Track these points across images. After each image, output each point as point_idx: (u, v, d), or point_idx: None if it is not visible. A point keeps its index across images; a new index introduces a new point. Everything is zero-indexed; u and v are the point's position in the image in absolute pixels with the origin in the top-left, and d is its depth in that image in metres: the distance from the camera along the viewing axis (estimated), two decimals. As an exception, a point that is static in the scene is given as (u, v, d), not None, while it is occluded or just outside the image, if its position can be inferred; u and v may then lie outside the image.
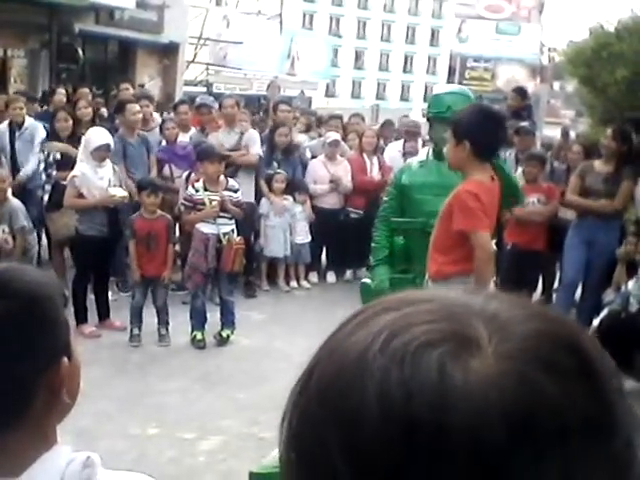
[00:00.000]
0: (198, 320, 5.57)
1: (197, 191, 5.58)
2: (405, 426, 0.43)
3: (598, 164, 5.94)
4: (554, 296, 6.72)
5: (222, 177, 5.67)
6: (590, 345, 0.47)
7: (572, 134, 11.63)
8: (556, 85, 50.36)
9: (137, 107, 6.83)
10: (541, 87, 38.92)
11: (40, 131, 6.88)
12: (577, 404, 0.44)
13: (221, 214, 5.51)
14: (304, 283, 7.46)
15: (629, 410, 0.47)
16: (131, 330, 5.54)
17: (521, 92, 8.26)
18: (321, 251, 7.80)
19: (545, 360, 0.45)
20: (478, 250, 3.11)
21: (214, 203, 5.46)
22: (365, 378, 0.45)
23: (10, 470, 0.91)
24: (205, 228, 5.51)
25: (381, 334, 0.47)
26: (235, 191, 5.69)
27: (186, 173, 6.63)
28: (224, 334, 5.62)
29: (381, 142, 8.38)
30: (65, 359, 0.95)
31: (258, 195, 7.13)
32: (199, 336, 5.55)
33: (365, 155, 7.79)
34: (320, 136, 8.27)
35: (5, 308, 0.90)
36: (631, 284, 5.19)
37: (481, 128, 3.10)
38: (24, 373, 0.91)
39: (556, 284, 6.93)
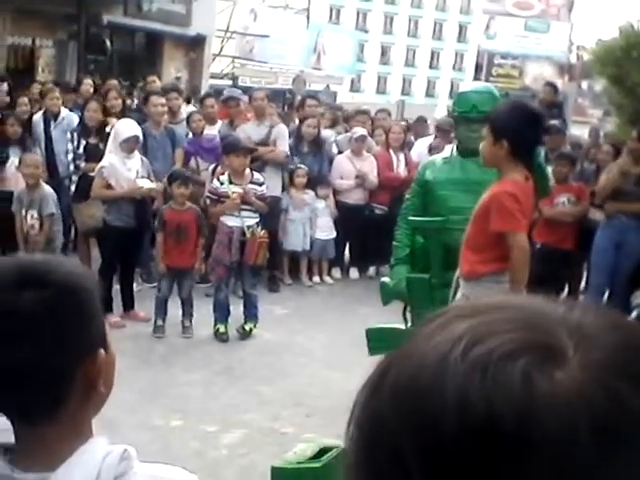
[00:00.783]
0: (221, 313, 5.57)
1: (222, 184, 5.58)
2: (486, 436, 0.43)
3: (628, 164, 5.82)
4: (581, 297, 6.64)
5: (247, 170, 5.66)
6: None
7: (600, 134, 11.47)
8: (584, 84, 49.76)
9: (161, 100, 6.84)
10: (569, 85, 38.47)
11: (76, 121, 6.94)
12: None
13: (245, 207, 5.50)
14: (327, 279, 7.44)
15: None
16: (155, 321, 5.57)
17: (554, 87, 8.20)
18: (344, 247, 7.78)
19: (633, 373, 0.44)
20: (516, 251, 3.09)
21: (235, 195, 5.44)
22: (445, 384, 0.45)
23: (48, 463, 0.90)
24: (229, 221, 5.51)
25: (461, 341, 0.46)
26: (260, 184, 5.68)
27: (212, 166, 6.64)
28: (247, 327, 5.62)
29: (410, 138, 8.33)
30: (102, 350, 0.96)
31: (285, 190, 7.13)
32: (222, 329, 5.56)
33: (392, 151, 7.74)
34: (347, 131, 8.23)
35: (44, 299, 0.89)
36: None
37: (520, 127, 3.05)
38: (62, 364, 0.90)
39: (583, 284, 6.85)
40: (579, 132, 16.97)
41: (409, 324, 3.82)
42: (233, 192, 5.48)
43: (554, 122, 7.30)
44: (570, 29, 46.45)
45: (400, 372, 0.48)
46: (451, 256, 3.52)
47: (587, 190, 6.31)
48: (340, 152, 7.76)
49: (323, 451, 3.56)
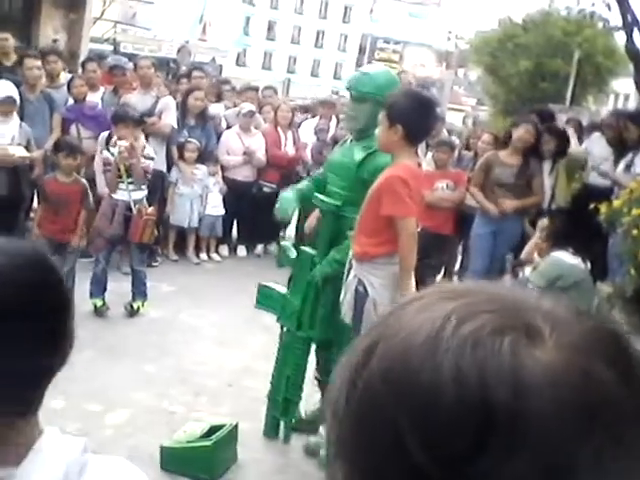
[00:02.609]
0: (97, 287, 5.40)
1: (112, 155, 5.39)
2: (480, 407, 0.45)
3: (504, 155, 6.02)
4: (455, 279, 6.94)
5: (142, 142, 5.49)
6: (632, 344, 0.50)
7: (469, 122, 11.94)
8: (460, 72, 51.70)
9: (36, 62, 6.46)
10: (446, 73, 39.84)
11: None
12: (637, 397, 0.47)
13: (132, 180, 5.35)
14: (214, 256, 7.37)
15: None
16: (33, 297, 5.30)
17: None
18: (232, 224, 7.72)
19: (605, 354, 0.47)
20: (404, 236, 3.16)
21: (122, 149, 5.26)
22: (439, 360, 0.46)
23: (13, 459, 0.86)
24: (116, 193, 5.33)
25: (449, 318, 0.48)
26: (151, 159, 5.54)
27: (106, 134, 6.36)
28: (135, 305, 5.48)
29: (296, 118, 8.33)
30: None
31: (169, 163, 6.96)
32: (99, 303, 5.39)
33: (280, 129, 7.73)
34: (235, 106, 8.13)
35: None
36: (528, 271, 5.44)
37: (415, 113, 3.14)
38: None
39: (457, 267, 7.17)
40: (454, 119, 17.67)
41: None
42: (124, 161, 5.30)
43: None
44: (448, 18, 48.01)
45: (388, 349, 0.49)
46: (339, 237, 3.60)
47: (465, 176, 6.56)
48: (229, 127, 7.66)
49: (213, 429, 3.57)
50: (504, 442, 0.44)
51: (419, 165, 3.34)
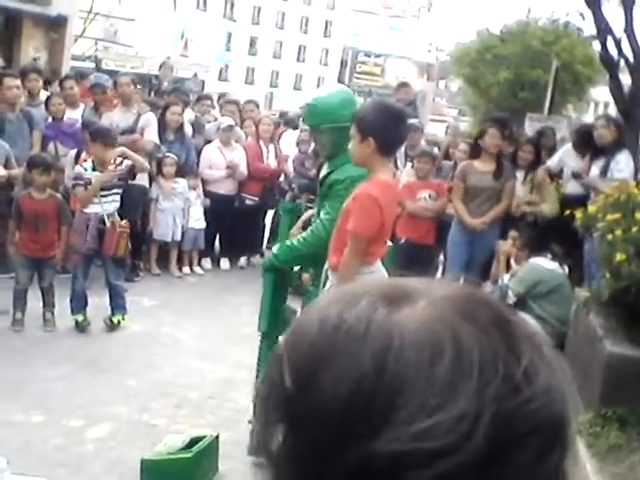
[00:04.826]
0: (78, 303, 5.40)
1: (86, 170, 5.40)
2: (333, 334, 0.51)
3: (478, 164, 6.13)
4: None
5: (115, 163, 5.51)
6: (504, 307, 0.54)
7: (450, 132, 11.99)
8: (441, 84, 52.10)
9: (16, 81, 6.48)
10: (427, 85, 40.14)
11: None
12: (492, 349, 0.49)
13: (105, 193, 5.36)
14: (197, 269, 7.37)
15: (543, 363, 0.51)
16: (14, 314, 5.28)
17: (408, 86, 8.53)
18: (215, 237, 7.72)
19: (465, 311, 0.51)
20: (349, 251, 3.18)
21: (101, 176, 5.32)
22: (315, 315, 0.54)
23: None
24: (88, 208, 5.34)
25: (339, 299, 0.54)
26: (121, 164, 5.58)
27: (74, 151, 6.38)
28: (115, 320, 5.46)
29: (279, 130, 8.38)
30: None
31: (152, 179, 6.97)
32: (80, 319, 5.39)
33: (262, 142, 7.77)
34: (216, 119, 8.16)
35: None
36: (507, 278, 5.49)
37: (385, 125, 3.16)
38: None
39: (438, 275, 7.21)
40: (436, 130, 17.77)
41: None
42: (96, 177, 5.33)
43: (413, 121, 7.60)
44: (429, 30, 48.48)
45: (292, 329, 0.56)
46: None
47: (445, 186, 6.62)
48: (208, 142, 7.69)
49: (194, 441, 3.57)
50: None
51: (394, 175, 3.35)
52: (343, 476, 0.48)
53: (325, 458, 0.49)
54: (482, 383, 0.48)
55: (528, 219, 6.16)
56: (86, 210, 5.33)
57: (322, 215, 3.55)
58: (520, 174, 6.33)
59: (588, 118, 24.25)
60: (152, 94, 9.27)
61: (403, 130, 3.46)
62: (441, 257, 7.03)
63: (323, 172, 3.70)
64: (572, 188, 6.21)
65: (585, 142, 6.18)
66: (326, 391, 0.49)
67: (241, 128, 8.03)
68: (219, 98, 9.85)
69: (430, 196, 6.62)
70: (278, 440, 0.52)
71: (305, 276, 3.81)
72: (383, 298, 0.52)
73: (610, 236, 4.17)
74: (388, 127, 3.19)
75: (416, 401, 0.47)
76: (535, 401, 0.49)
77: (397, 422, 0.47)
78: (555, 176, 6.44)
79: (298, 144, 7.84)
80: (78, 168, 5.53)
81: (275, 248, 3.77)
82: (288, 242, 3.71)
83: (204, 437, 3.57)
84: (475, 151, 6.25)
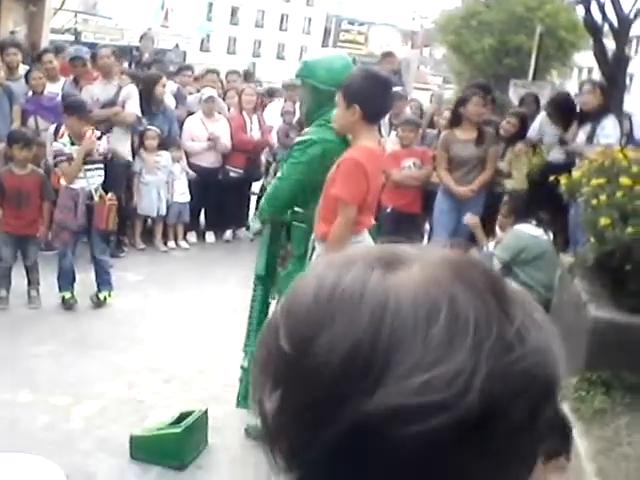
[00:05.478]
0: (66, 280, 5.36)
1: (65, 145, 5.32)
2: (328, 296, 0.52)
3: (459, 132, 6.10)
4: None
5: (91, 132, 5.43)
6: (496, 272, 0.56)
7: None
8: (426, 52, 51.69)
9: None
10: (412, 53, 39.76)
11: None
12: (486, 310, 0.50)
13: (89, 167, 5.29)
14: (182, 243, 7.33)
15: (533, 325, 0.52)
16: (-2, 292, 5.25)
17: (392, 55, 8.45)
18: (199, 211, 7.67)
19: (460, 272, 0.52)
20: (341, 221, 3.15)
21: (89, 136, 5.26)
22: (312, 278, 0.55)
23: None
24: (74, 183, 5.27)
25: (332, 264, 0.55)
26: (99, 138, 5.50)
27: (54, 126, 6.28)
28: (101, 296, 5.43)
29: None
30: None
31: (134, 153, 6.89)
32: (68, 296, 5.35)
33: (245, 113, 7.69)
34: (198, 91, 8.06)
35: None
36: (492, 245, 5.50)
37: (371, 92, 3.13)
38: None
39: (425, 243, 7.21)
40: (420, 98, 17.64)
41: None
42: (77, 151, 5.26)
43: (397, 89, 7.53)
44: (414, -3, 47.87)
45: (288, 295, 0.56)
46: None
47: (430, 154, 6.59)
48: (191, 113, 7.60)
49: (183, 416, 3.57)
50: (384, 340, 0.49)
51: (379, 143, 3.32)
52: (340, 436, 0.49)
53: (322, 419, 0.50)
54: (477, 341, 0.49)
55: (497, 190, 6.13)
56: (72, 186, 5.26)
57: (290, 160, 3.53)
58: (501, 147, 6.30)
59: (572, 83, 24.23)
60: (133, 66, 9.15)
61: (389, 98, 3.42)
62: (427, 226, 7.04)
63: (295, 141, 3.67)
64: (555, 155, 6.19)
65: (559, 112, 6.14)
66: (324, 352, 0.50)
67: (223, 100, 7.94)
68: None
69: (415, 164, 6.59)
70: (275, 404, 0.53)
71: (288, 248, 3.79)
72: (378, 262, 0.53)
73: (595, 201, 4.16)
74: (374, 95, 3.16)
75: (413, 357, 0.48)
76: (527, 360, 0.50)
77: (394, 378, 0.48)
78: (535, 145, 6.40)
79: (282, 115, 7.76)
80: (56, 144, 5.45)
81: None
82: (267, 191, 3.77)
83: (193, 412, 3.57)
84: (456, 119, 6.21)
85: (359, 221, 3.26)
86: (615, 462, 2.56)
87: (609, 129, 5.80)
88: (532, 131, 6.45)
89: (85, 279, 5.50)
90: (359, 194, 3.17)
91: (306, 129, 3.56)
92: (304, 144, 3.44)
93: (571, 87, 19.52)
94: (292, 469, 0.54)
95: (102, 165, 5.43)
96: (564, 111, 6.09)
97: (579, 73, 31.45)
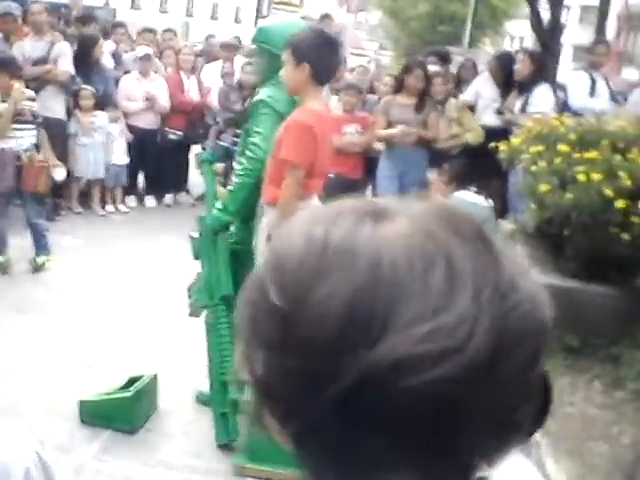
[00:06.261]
0: None
1: None
2: (320, 249, 0.51)
3: (400, 98, 6.16)
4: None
5: (19, 85, 5.23)
6: (482, 222, 0.56)
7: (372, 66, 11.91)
8: (361, 17, 51.40)
9: None
10: (347, 17, 39.50)
11: None
12: (479, 259, 0.51)
13: (19, 127, 5.10)
14: (121, 207, 7.17)
15: (521, 274, 0.53)
16: None
17: (330, 17, 8.40)
18: (137, 173, 7.51)
19: (450, 224, 0.52)
20: (289, 183, 3.10)
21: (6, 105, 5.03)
22: (299, 229, 0.54)
23: None
24: (2, 142, 5.08)
25: (319, 216, 0.55)
26: (33, 100, 5.31)
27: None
28: (39, 260, 5.28)
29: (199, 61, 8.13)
30: None
31: (69, 113, 6.67)
32: (1, 260, 5.19)
33: (182, 73, 7.52)
34: (133, 50, 7.82)
35: None
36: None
37: (322, 51, 3.09)
38: None
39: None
40: (356, 64, 17.58)
41: None
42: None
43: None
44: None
45: (273, 247, 0.56)
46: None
47: (371, 120, 6.61)
48: (127, 72, 7.38)
49: (132, 380, 3.54)
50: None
51: (326, 105, 3.29)
52: (345, 391, 0.48)
53: (325, 374, 0.48)
54: (476, 290, 0.49)
55: (453, 153, 6.23)
56: (1, 146, 5.06)
57: (252, 138, 3.36)
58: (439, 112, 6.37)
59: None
60: (61, 23, 8.80)
61: (338, 58, 3.39)
62: (368, 192, 7.09)
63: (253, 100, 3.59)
64: (488, 119, 6.27)
65: (502, 72, 6.23)
66: (322, 306, 0.49)
67: (159, 59, 7.73)
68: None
69: (356, 130, 6.60)
70: (270, 363, 0.51)
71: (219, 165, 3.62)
72: (365, 215, 0.53)
73: (534, 168, 4.28)
74: (324, 53, 3.12)
75: (415, 307, 0.48)
76: (522, 307, 0.51)
77: (398, 328, 0.48)
78: (470, 108, 6.49)
79: (223, 76, 7.63)
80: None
81: (217, 205, 3.38)
82: (229, 187, 3.49)
83: (142, 376, 3.55)
84: (398, 86, 6.26)
85: (309, 185, 3.23)
86: (558, 422, 2.69)
87: (540, 98, 5.91)
88: (467, 94, 6.52)
89: (22, 243, 5.34)
90: (308, 157, 3.13)
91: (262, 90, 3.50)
92: (264, 102, 3.34)
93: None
94: (288, 427, 0.53)
95: (34, 126, 5.24)
96: (507, 70, 6.18)
97: (511, 41, 31.98)
